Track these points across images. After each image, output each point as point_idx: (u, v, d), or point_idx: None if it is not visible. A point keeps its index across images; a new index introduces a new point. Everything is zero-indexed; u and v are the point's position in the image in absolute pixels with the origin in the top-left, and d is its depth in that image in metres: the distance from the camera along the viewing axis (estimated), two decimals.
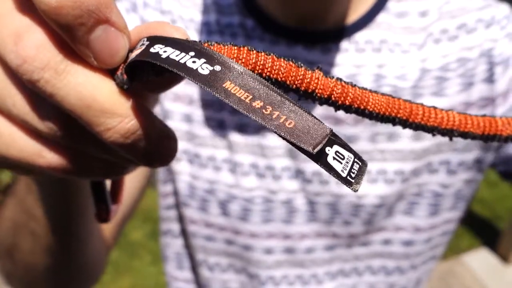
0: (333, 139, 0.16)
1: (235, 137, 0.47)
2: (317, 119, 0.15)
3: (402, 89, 0.44)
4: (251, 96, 0.15)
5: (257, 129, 0.47)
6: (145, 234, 2.23)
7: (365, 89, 0.18)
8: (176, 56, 0.16)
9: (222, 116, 0.47)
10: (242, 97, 0.15)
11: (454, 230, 0.54)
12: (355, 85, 0.18)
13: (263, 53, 0.17)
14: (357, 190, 0.16)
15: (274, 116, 0.15)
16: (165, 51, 0.16)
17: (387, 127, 0.45)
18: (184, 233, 0.54)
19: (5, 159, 0.20)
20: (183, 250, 0.56)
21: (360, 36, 0.44)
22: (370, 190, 0.47)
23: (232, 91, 0.15)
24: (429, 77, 0.44)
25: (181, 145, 0.49)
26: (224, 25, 0.46)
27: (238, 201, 0.49)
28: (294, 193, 0.48)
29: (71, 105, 0.17)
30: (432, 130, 0.20)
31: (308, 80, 0.17)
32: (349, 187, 0.15)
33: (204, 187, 0.49)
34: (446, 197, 0.49)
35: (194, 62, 0.16)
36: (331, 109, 0.45)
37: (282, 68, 0.17)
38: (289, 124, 0.15)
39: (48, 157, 0.19)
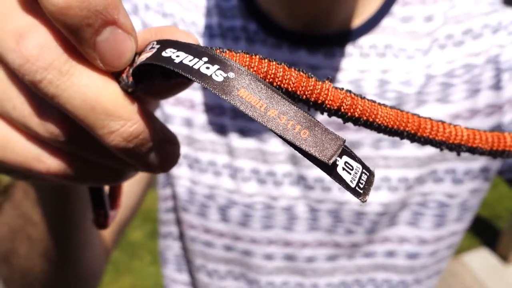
0: (344, 149, 0.16)
1: (236, 142, 0.47)
2: (329, 129, 0.15)
3: (407, 95, 0.44)
4: (265, 105, 0.15)
5: (259, 134, 0.46)
6: (145, 234, 2.23)
7: (374, 102, 0.18)
8: (190, 61, 0.16)
9: (223, 120, 0.47)
10: (257, 106, 0.15)
11: (459, 242, 0.53)
12: (364, 98, 0.18)
13: (274, 62, 0.17)
14: (365, 201, 0.15)
15: (289, 126, 0.15)
16: (177, 56, 0.16)
17: None
18: (184, 237, 0.54)
19: (1, 163, 0.19)
20: (183, 253, 0.55)
21: (364, 40, 0.44)
22: (373, 198, 0.46)
23: (246, 99, 0.15)
24: (434, 83, 0.44)
25: (181, 149, 0.49)
26: (226, 28, 0.46)
27: (238, 206, 0.48)
28: (295, 199, 0.47)
29: (74, 107, 0.16)
30: (440, 144, 0.20)
31: (318, 91, 0.17)
32: (358, 198, 0.15)
33: (204, 192, 0.49)
34: (451, 207, 0.48)
35: (207, 68, 0.16)
36: None
37: (292, 78, 0.17)
38: (303, 134, 0.15)
39: (48, 163, 0.19)
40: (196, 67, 0.15)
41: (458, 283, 1.91)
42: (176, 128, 0.48)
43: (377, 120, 0.18)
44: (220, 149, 0.48)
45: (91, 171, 0.20)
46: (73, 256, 0.38)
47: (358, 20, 0.44)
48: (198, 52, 0.16)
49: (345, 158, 0.16)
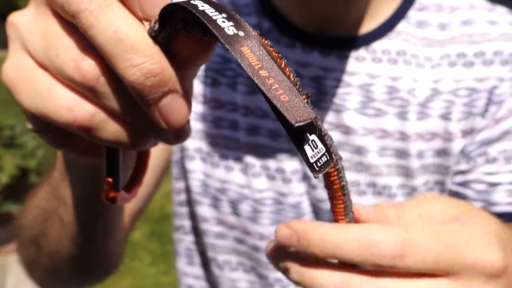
0: (315, 126, 0.18)
1: (247, 138, 0.48)
2: (309, 104, 0.17)
3: (410, 105, 0.44)
4: (260, 65, 0.17)
5: (270, 131, 0.47)
6: (145, 234, 2.23)
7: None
8: (211, 12, 0.18)
9: (235, 117, 0.48)
10: (253, 63, 0.17)
11: None
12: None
13: (279, 54, 0.19)
14: (317, 177, 0.18)
15: (273, 87, 0.17)
16: (203, 6, 0.18)
17: (396, 142, 0.45)
18: (196, 230, 0.55)
19: (39, 113, 0.21)
20: (194, 247, 0.56)
21: (378, 45, 0.44)
22: (372, 201, 0.47)
23: (246, 55, 0.17)
24: (439, 99, 0.44)
25: (195, 143, 0.50)
26: None
27: (249, 201, 0.49)
28: (300, 196, 0.48)
29: (105, 37, 0.19)
30: None
31: None
32: (312, 173, 0.17)
33: (216, 186, 0.50)
34: None
35: (223, 22, 0.18)
36: (342, 117, 0.46)
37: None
38: (283, 98, 0.17)
39: (76, 111, 0.21)
40: (214, 18, 0.18)
41: None
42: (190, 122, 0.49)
43: None
44: (232, 144, 0.48)
45: (113, 125, 0.22)
46: (99, 241, 0.39)
47: (373, 23, 0.45)
48: (220, 9, 0.18)
49: (313, 137, 0.18)
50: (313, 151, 0.17)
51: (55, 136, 0.24)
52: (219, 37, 0.17)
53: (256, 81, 0.17)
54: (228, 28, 0.18)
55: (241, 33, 0.18)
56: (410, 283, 0.23)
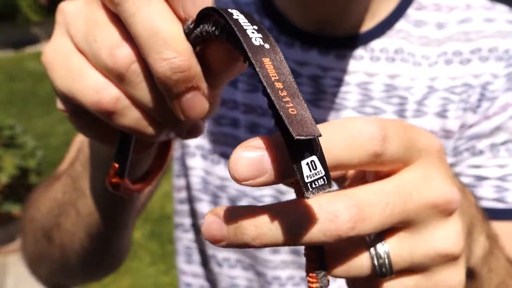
0: (318, 146, 0.17)
1: (247, 135, 0.48)
2: (314, 122, 0.17)
3: (408, 102, 0.45)
4: (277, 77, 0.18)
5: (269, 129, 0.48)
6: (145, 234, 2.23)
7: None
8: (243, 22, 0.19)
9: (235, 114, 0.48)
10: (270, 74, 0.18)
11: None
12: None
13: None
14: (308, 198, 0.17)
15: (284, 100, 0.17)
16: (238, 16, 0.19)
17: None
18: (195, 228, 0.55)
19: (68, 93, 0.23)
20: (193, 245, 0.56)
21: (376, 44, 0.45)
22: None
23: (266, 66, 0.18)
24: (435, 96, 0.45)
25: (196, 140, 0.51)
26: None
27: (248, 199, 0.50)
28: None
29: (143, 28, 0.20)
30: None
31: None
32: (304, 192, 0.17)
33: (216, 183, 0.51)
34: None
35: (253, 33, 0.19)
36: (340, 116, 0.46)
37: None
38: (291, 111, 0.17)
39: (102, 93, 0.22)
40: (244, 27, 0.19)
41: None
42: None
43: None
44: (232, 142, 0.49)
45: (134, 113, 0.23)
46: (113, 236, 0.40)
47: (372, 22, 0.45)
48: (253, 21, 0.20)
49: (314, 157, 0.17)
50: (310, 171, 0.17)
51: (83, 119, 0.26)
52: (245, 44, 0.18)
53: (269, 91, 0.17)
54: (256, 39, 0.19)
55: (267, 46, 0.19)
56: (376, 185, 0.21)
